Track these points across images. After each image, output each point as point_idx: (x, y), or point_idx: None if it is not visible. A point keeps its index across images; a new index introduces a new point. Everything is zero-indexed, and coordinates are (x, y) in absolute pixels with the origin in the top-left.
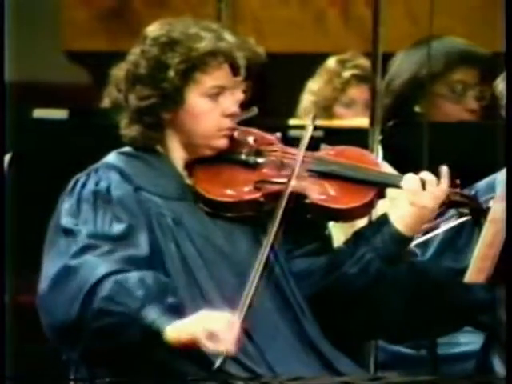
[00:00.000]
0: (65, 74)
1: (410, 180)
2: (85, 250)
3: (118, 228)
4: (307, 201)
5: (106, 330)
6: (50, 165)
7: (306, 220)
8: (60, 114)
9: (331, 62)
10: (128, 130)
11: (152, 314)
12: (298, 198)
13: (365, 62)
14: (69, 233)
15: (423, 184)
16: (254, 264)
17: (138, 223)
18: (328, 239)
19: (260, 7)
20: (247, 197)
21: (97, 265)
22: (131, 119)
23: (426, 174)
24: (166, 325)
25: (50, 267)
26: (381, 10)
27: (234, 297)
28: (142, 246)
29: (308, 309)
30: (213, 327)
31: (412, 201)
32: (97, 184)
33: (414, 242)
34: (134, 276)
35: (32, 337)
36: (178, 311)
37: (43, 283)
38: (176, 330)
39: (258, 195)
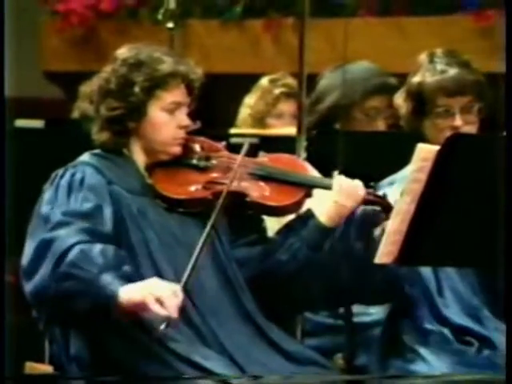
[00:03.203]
0: (42, 91)
1: (337, 182)
2: (58, 225)
3: (86, 206)
4: (248, 199)
5: (69, 292)
6: (29, 166)
7: (246, 215)
8: (38, 123)
9: (264, 81)
10: (98, 135)
11: (108, 278)
12: (240, 196)
13: (292, 81)
14: (46, 217)
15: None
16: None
17: (105, 204)
18: (264, 231)
19: (205, 35)
20: (198, 195)
21: (68, 236)
22: (101, 127)
23: (353, 180)
24: (119, 288)
25: (30, 245)
26: (306, 37)
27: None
28: (107, 222)
29: (247, 288)
30: (160, 293)
31: (335, 199)
32: (73, 175)
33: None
34: (97, 247)
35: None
36: (131, 279)
37: (24, 259)
38: (127, 292)
39: (206, 194)
